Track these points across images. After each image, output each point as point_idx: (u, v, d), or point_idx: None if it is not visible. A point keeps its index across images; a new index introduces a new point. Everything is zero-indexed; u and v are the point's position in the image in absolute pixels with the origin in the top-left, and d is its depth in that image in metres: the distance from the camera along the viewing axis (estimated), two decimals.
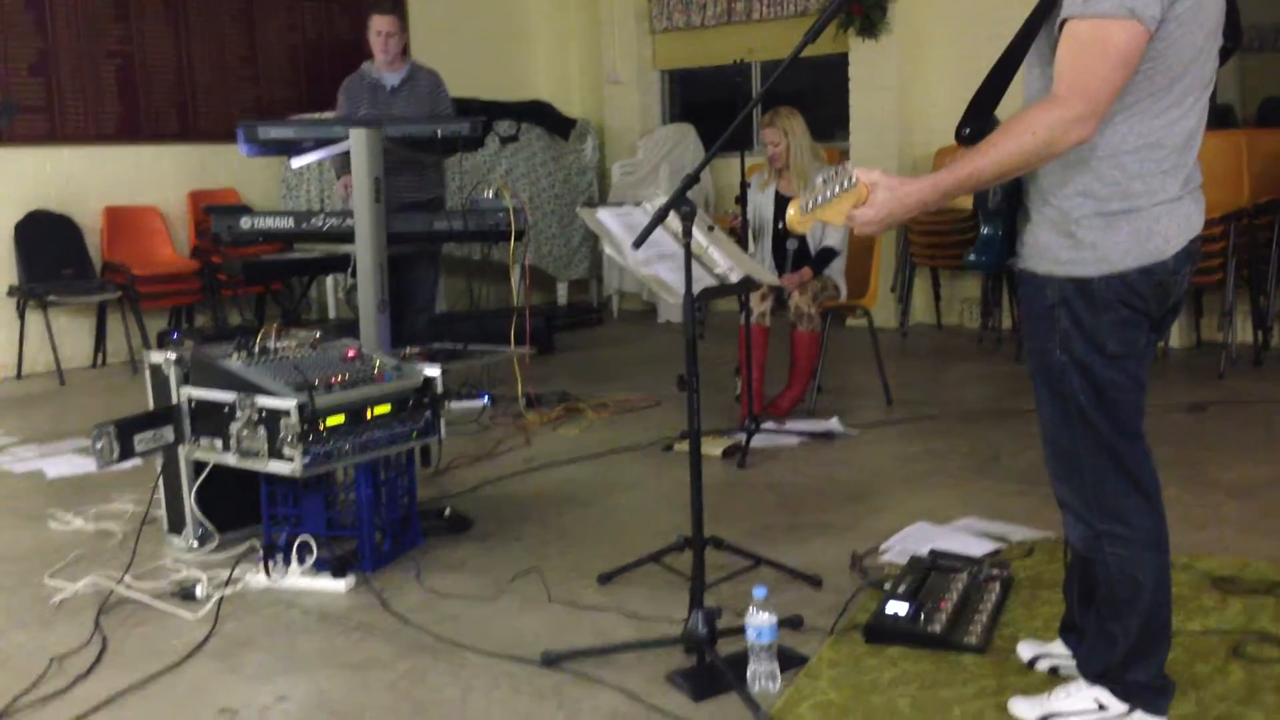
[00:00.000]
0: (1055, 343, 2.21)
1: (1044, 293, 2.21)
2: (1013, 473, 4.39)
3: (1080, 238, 2.14)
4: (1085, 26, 1.98)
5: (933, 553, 3.32)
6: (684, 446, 4.74)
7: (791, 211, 2.14)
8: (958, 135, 2.24)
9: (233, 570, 3.45)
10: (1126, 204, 2.10)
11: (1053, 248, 2.18)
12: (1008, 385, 6.09)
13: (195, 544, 3.70)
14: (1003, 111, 2.22)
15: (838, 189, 2.08)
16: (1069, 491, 2.31)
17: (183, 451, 3.56)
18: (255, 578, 3.41)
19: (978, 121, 2.22)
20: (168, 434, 3.45)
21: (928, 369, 6.81)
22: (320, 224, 5.07)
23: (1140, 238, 2.11)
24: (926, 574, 3.14)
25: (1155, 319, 2.18)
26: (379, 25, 5.80)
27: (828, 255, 5.45)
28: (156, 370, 3.64)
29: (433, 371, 3.65)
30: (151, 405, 3.63)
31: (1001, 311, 7.56)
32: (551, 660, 2.79)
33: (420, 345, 5.23)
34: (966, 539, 3.56)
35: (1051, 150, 2.01)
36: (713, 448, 4.78)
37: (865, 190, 2.09)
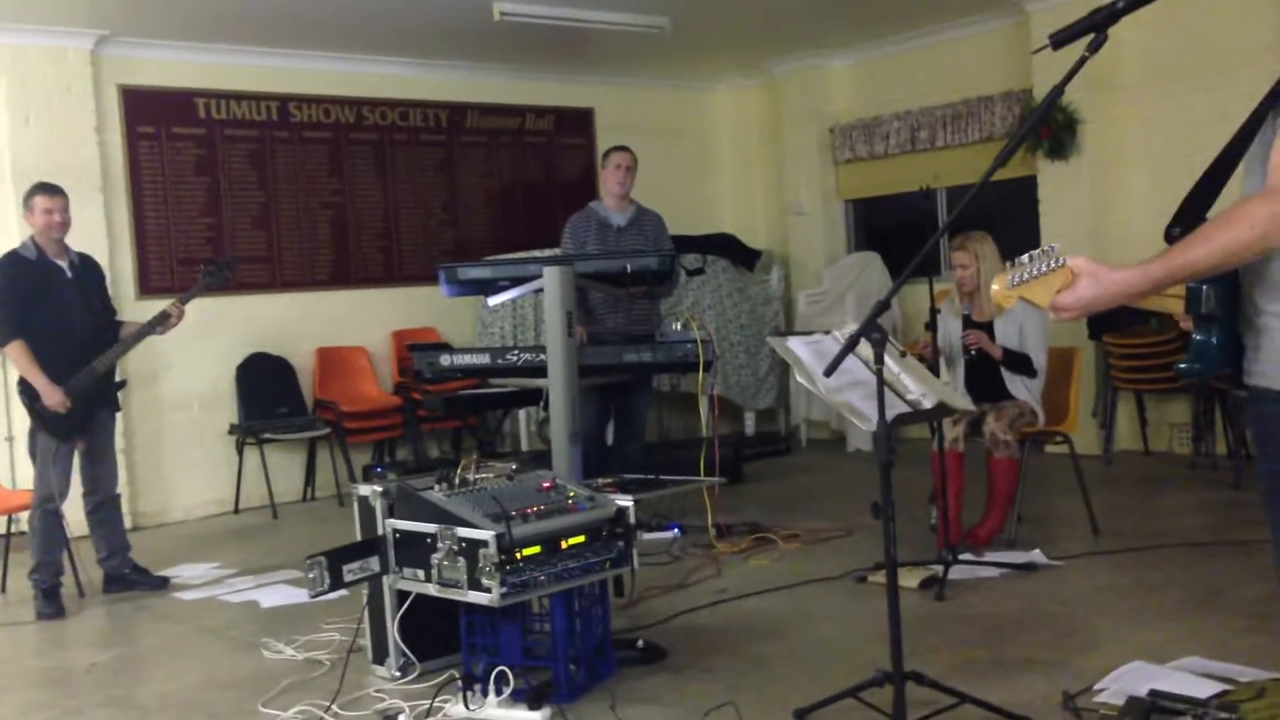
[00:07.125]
0: None
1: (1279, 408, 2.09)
2: (1237, 608, 4.10)
3: None
4: None
5: (1152, 693, 3.12)
6: (879, 577, 4.62)
7: (996, 286, 2.11)
8: (1167, 235, 2.18)
9: (433, 700, 3.52)
10: None
11: None
12: (1226, 514, 5.73)
13: (398, 673, 3.79)
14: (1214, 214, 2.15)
15: (1044, 268, 2.04)
16: None
17: (387, 581, 3.69)
18: (455, 708, 3.47)
19: (1190, 221, 2.16)
20: (374, 564, 3.59)
21: (1136, 497, 6.48)
22: (515, 359, 5.26)
23: None
24: (1147, 715, 2.95)
25: None
26: (619, 160, 6.06)
27: (1021, 361, 5.30)
28: (364, 502, 3.81)
29: (625, 502, 3.69)
30: (359, 536, 3.78)
31: (1215, 436, 7.16)
32: None
33: (615, 476, 5.31)
34: (1188, 679, 3.32)
35: (1267, 244, 1.94)
36: (909, 579, 4.64)
37: (1070, 274, 2.05)
